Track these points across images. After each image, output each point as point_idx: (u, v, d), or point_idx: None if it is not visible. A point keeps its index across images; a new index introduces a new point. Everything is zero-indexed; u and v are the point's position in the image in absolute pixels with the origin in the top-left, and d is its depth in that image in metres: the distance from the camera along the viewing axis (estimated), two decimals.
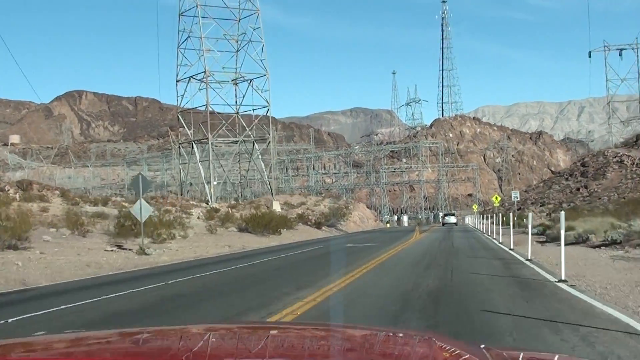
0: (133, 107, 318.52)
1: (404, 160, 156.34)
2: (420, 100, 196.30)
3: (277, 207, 63.55)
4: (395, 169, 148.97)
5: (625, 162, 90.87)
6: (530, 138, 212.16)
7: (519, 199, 51.59)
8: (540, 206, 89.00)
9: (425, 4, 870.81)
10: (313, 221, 54.47)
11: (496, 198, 58.07)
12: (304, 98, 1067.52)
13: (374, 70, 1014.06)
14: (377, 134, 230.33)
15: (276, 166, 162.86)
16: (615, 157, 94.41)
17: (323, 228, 54.42)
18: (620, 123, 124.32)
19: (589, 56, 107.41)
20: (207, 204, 60.45)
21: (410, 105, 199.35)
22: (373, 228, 69.92)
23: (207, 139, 63.25)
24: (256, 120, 66.19)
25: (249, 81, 66.54)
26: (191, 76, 64.76)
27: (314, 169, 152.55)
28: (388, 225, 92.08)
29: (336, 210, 63.16)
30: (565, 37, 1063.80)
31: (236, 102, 68.31)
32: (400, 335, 3.37)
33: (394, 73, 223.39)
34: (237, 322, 8.13)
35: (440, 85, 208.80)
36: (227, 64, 67.23)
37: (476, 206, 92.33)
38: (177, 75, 66.66)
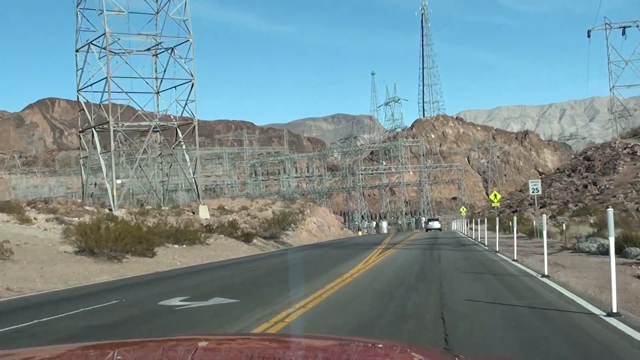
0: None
1: (384, 163, 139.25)
2: (399, 99, 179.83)
3: (204, 213, 46.51)
4: (373, 170, 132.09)
5: (639, 154, 74.48)
6: (516, 138, 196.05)
7: (539, 192, 34.53)
8: (541, 207, 72.35)
9: (405, 10, 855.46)
10: (240, 232, 37.28)
11: (495, 195, 41.15)
12: (285, 105, 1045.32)
13: (356, 76, 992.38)
14: (355, 137, 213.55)
15: (247, 170, 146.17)
16: (625, 148, 77.93)
17: (255, 241, 37.26)
18: (620, 117, 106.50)
19: (588, 36, 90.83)
20: (111, 210, 43.59)
21: (390, 105, 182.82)
22: (336, 238, 52.86)
23: (109, 123, 46.29)
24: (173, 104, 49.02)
25: (170, 50, 49.53)
26: (90, 42, 47.64)
27: (285, 172, 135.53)
28: (360, 233, 74.92)
29: (283, 217, 46.08)
30: (546, 40, 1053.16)
31: (156, 78, 51.32)
32: (379, 345, 3.23)
33: (372, 74, 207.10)
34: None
35: (421, 84, 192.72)
36: (145, 29, 50.24)
37: (464, 209, 75.63)
38: (76, 43, 49.65)
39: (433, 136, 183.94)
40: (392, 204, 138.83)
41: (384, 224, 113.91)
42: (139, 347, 2.90)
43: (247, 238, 36.62)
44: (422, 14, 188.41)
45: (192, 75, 47.91)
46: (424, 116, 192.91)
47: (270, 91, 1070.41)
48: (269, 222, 44.23)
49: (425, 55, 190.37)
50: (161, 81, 50.94)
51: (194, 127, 48.23)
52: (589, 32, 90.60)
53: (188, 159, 49.00)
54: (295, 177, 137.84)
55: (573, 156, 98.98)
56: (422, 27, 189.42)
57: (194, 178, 48.81)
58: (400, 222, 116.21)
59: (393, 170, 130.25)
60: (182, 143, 49.18)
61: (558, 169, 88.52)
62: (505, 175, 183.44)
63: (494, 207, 42.79)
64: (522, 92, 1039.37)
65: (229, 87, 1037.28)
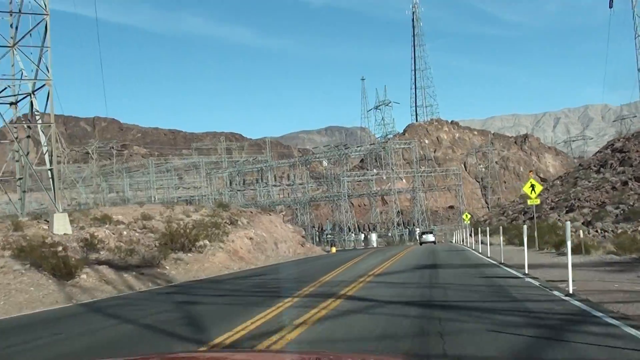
0: (91, 129, 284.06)
1: (375, 170, 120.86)
2: (390, 102, 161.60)
3: (62, 225, 27.89)
4: (360, 176, 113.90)
5: None
6: (515, 142, 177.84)
7: None
8: (568, 212, 53.99)
9: (399, 22, 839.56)
10: (56, 262, 18.75)
11: (532, 187, 22.88)
12: (278, 118, 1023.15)
13: (349, 89, 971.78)
14: (345, 145, 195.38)
15: (226, 179, 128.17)
16: None
17: (84, 276, 18.83)
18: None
19: (610, 6, 73.13)
20: None
21: (380, 109, 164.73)
22: (284, 260, 34.32)
23: None
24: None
25: None
26: None
27: (262, 180, 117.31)
28: (333, 249, 56.46)
29: (184, 232, 27.58)
30: (539, 49, 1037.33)
31: (11, 25, 33.10)
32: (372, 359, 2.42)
33: (362, 79, 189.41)
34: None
35: (413, 86, 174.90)
36: None
37: (468, 216, 57.54)
38: None
39: (427, 141, 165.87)
40: (384, 214, 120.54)
41: (373, 237, 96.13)
42: None
43: (67, 271, 18.15)
44: (413, 13, 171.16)
45: (44, 8, 29.66)
46: (416, 120, 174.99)
47: (262, 105, 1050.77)
48: (158, 239, 25.81)
49: (417, 57, 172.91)
50: (16, 29, 32.71)
51: (49, 90, 30.00)
52: (611, 1, 72.84)
53: (44, 139, 30.78)
54: (275, 186, 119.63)
55: (598, 150, 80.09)
56: (413, 26, 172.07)
57: (51, 170, 30.51)
58: (391, 234, 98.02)
59: (384, 178, 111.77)
60: (37, 115, 31.06)
61: (580, 164, 69.96)
62: (505, 182, 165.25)
63: (533, 204, 24.47)
64: (516, 102, 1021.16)
65: (220, 100, 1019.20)
